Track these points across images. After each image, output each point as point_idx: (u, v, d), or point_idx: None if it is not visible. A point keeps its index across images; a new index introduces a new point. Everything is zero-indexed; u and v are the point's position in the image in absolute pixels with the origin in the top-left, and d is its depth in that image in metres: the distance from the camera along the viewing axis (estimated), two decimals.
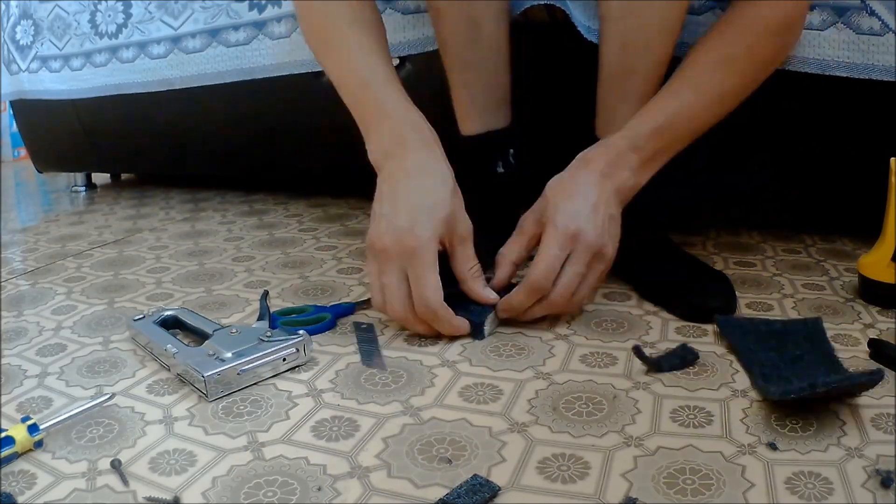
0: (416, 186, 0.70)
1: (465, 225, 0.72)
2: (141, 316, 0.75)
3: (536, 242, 0.72)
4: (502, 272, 0.75)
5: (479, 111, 0.89)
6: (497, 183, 0.91)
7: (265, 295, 0.82)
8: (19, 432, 0.53)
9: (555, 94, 1.04)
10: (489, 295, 0.73)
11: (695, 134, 0.76)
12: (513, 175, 0.91)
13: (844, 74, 0.85)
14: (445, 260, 0.84)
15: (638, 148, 0.73)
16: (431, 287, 0.68)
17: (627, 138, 0.73)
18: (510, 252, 0.75)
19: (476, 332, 0.72)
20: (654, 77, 0.81)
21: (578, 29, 0.86)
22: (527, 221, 0.74)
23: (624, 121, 0.84)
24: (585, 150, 0.75)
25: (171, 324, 0.75)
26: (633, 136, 0.73)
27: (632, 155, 0.73)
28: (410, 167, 0.71)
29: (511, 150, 0.91)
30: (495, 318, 0.74)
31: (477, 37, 0.84)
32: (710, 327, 0.73)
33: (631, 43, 0.79)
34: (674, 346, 0.68)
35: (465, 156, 0.91)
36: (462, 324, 0.71)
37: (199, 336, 0.71)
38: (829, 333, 0.69)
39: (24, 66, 1.48)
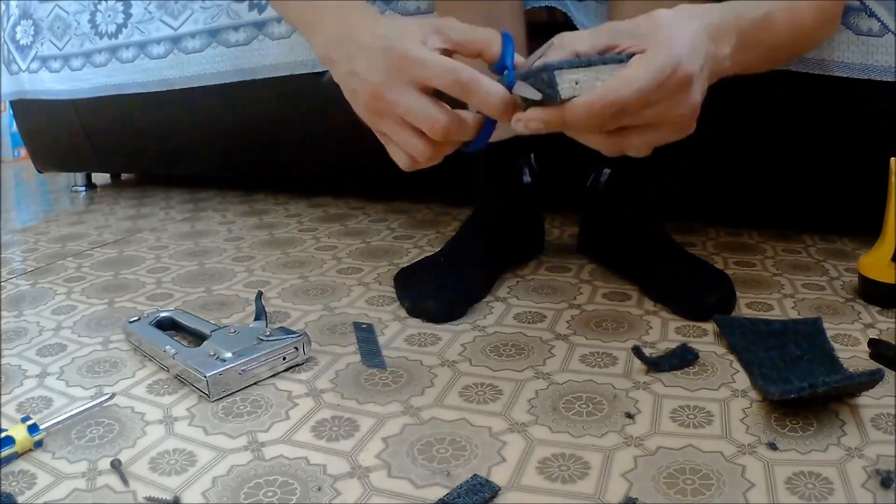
0: (378, 34, 0.55)
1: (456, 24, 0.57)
2: (136, 318, 0.75)
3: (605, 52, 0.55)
4: (556, 55, 0.53)
5: None
6: (524, 191, 0.90)
7: (259, 295, 0.83)
8: (19, 432, 0.53)
9: None
10: (497, 90, 0.52)
11: (764, 58, 0.66)
12: (537, 181, 0.91)
13: (843, 74, 0.85)
14: (435, 266, 0.82)
15: (742, 31, 0.59)
16: (443, 66, 0.53)
17: (735, 12, 0.60)
18: (577, 39, 0.54)
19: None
20: None
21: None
22: (612, 29, 0.55)
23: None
24: (687, 4, 0.57)
25: (168, 325, 0.75)
26: (740, 11, 0.60)
27: (734, 35, 0.58)
28: (364, 36, 0.56)
29: (532, 155, 0.91)
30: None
31: None
32: (710, 327, 0.73)
33: None
34: (674, 346, 0.68)
35: (490, 163, 0.90)
36: (496, 88, 0.53)
37: (196, 337, 0.71)
38: (829, 333, 0.69)
39: (24, 66, 1.48)
